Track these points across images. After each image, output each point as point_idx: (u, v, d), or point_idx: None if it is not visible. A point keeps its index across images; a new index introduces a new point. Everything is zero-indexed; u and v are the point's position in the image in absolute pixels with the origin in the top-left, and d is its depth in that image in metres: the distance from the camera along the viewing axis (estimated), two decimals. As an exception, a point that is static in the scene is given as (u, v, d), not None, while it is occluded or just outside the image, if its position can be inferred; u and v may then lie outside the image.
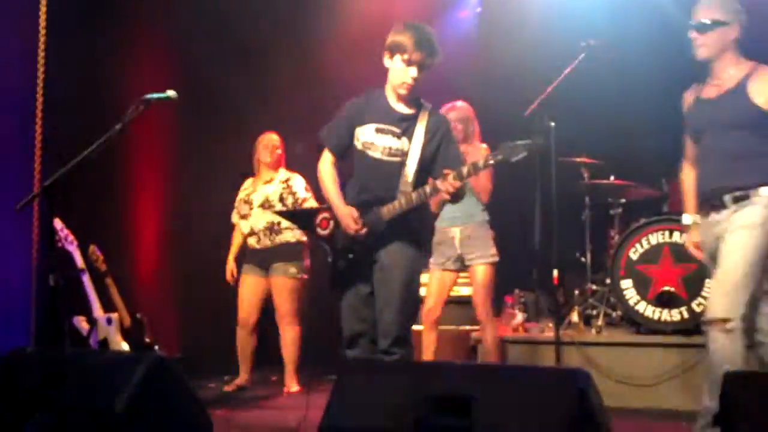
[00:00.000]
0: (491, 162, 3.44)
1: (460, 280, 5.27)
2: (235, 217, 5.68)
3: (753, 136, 3.57)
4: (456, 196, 3.56)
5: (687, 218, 3.87)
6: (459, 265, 5.05)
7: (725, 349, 3.44)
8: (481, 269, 4.96)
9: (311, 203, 5.41)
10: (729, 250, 3.53)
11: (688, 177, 3.88)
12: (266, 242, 5.48)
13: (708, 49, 3.68)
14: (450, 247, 5.02)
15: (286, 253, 5.49)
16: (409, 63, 3.58)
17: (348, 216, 3.58)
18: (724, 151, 3.61)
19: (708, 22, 3.64)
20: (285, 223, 5.42)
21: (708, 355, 3.52)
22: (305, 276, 5.54)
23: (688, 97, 3.88)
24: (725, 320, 3.44)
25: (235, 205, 5.68)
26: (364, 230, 3.55)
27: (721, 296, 3.50)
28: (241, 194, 5.63)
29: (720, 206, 3.61)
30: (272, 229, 5.46)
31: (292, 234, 5.47)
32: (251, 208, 5.51)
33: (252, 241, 5.52)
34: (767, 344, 3.55)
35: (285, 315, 5.48)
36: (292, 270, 5.47)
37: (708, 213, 3.68)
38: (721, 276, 3.54)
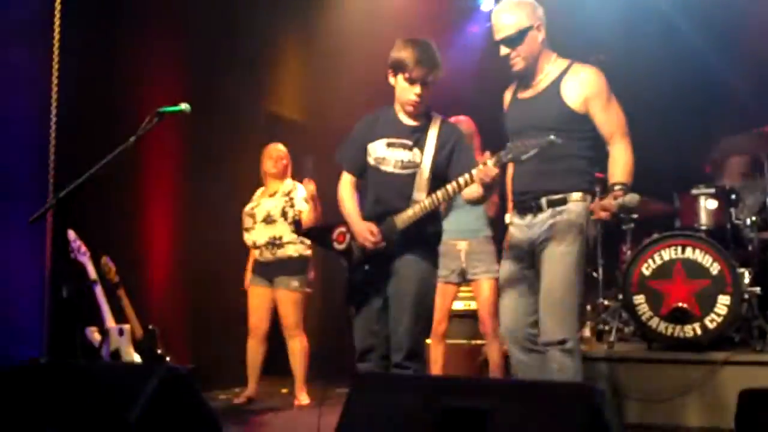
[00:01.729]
0: (503, 161, 3.37)
1: (465, 294, 5.29)
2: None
3: (567, 138, 3.43)
4: (486, 191, 3.48)
5: (507, 217, 3.85)
6: (461, 278, 5.07)
7: (567, 368, 3.43)
8: (486, 285, 4.99)
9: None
10: (551, 267, 3.48)
11: (512, 178, 3.84)
12: (268, 255, 5.50)
13: (525, 60, 3.60)
14: (454, 260, 5.02)
15: (288, 267, 5.51)
16: (411, 81, 3.58)
17: (365, 230, 3.57)
18: (539, 153, 3.48)
19: (515, 33, 3.56)
20: (287, 237, 5.48)
21: (551, 374, 3.47)
22: (308, 290, 5.59)
23: (507, 96, 3.81)
24: (562, 341, 3.43)
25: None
26: (383, 243, 3.55)
27: (553, 317, 3.46)
28: (247, 207, 5.66)
29: (537, 209, 3.56)
30: (273, 243, 5.48)
31: (294, 248, 5.50)
32: (254, 222, 5.54)
33: (256, 254, 5.58)
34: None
35: (289, 327, 5.52)
36: (294, 284, 5.50)
37: (525, 214, 3.62)
38: (549, 296, 3.47)
